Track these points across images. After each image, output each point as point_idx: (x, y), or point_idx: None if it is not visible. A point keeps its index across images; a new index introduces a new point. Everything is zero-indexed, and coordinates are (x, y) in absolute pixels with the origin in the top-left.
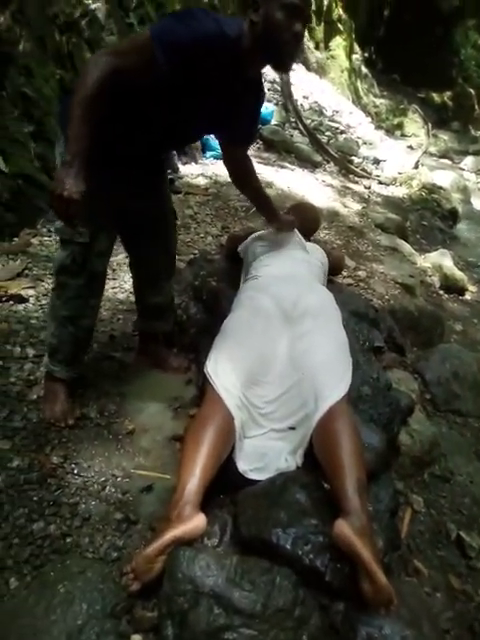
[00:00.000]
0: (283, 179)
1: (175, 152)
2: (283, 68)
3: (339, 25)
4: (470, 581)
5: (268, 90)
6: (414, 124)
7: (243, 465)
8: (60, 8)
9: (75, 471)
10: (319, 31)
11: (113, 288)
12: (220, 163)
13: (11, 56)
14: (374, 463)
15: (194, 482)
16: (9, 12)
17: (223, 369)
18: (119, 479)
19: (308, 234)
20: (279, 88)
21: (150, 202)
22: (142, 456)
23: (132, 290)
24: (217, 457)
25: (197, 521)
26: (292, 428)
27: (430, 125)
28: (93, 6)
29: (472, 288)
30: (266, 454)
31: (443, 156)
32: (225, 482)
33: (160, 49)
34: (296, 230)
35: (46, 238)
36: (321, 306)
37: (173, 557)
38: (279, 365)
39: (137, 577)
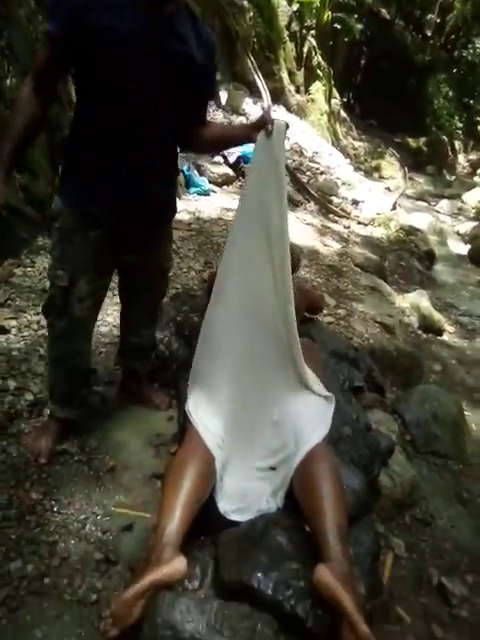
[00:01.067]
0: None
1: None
2: None
3: (318, 71)
4: (453, 630)
5: None
6: (391, 167)
7: (224, 505)
8: None
9: (55, 508)
10: (299, 76)
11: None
12: (203, 199)
13: None
14: (355, 506)
15: (174, 524)
16: None
17: (203, 408)
18: (99, 517)
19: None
20: None
21: (147, 257)
22: (123, 494)
23: (115, 323)
24: (197, 498)
25: (177, 564)
26: (273, 468)
27: (406, 169)
28: None
29: (450, 329)
30: (247, 495)
31: (419, 198)
32: (206, 523)
33: (51, 24)
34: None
35: (29, 269)
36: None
37: (153, 601)
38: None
39: (116, 622)
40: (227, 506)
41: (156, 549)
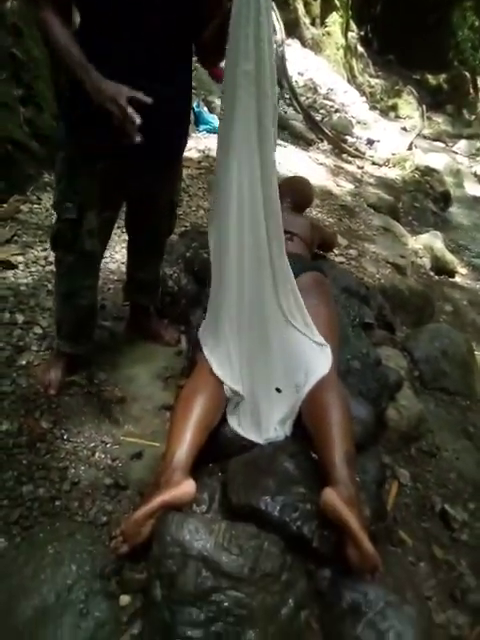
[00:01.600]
0: (275, 155)
1: None
2: None
3: (335, 1)
4: (453, 552)
5: None
6: (408, 106)
7: (233, 421)
8: None
9: (64, 436)
10: (315, 6)
11: (104, 258)
12: (213, 137)
13: None
14: (362, 435)
15: (183, 449)
16: None
17: (213, 337)
18: (109, 445)
19: (301, 209)
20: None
21: (157, 190)
22: (132, 424)
23: (124, 260)
24: (207, 424)
25: (186, 487)
26: (278, 390)
27: (425, 107)
28: None
29: (462, 270)
30: (256, 416)
31: (437, 139)
32: (215, 450)
33: None
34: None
35: (36, 205)
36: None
37: (162, 521)
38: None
39: (126, 540)
40: (235, 423)
41: (166, 473)
